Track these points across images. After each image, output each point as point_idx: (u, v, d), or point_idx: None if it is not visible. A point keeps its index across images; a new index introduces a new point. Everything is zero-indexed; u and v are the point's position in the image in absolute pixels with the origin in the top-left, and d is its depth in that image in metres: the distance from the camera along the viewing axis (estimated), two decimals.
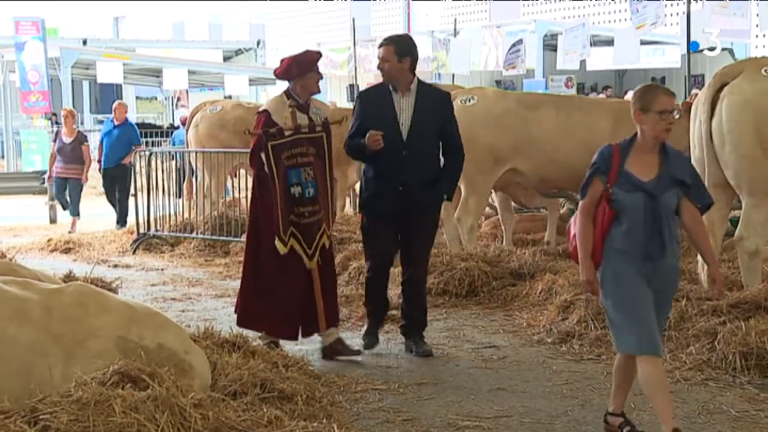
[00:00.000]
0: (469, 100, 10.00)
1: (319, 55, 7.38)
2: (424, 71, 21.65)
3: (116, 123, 15.57)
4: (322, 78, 7.28)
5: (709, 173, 7.71)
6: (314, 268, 7.04)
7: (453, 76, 19.34)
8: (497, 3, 27.49)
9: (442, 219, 10.53)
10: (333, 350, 7.12)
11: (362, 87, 25.48)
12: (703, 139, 7.75)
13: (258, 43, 32.85)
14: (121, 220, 15.13)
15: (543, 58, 24.41)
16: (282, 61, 7.23)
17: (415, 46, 7.22)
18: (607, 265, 5.03)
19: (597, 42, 20.90)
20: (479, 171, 9.81)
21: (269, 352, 6.35)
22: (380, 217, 7.15)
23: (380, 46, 7.18)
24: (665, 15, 13.51)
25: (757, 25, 15.59)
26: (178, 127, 22.33)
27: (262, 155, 6.94)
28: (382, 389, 6.31)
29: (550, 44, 23.91)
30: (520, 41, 18.52)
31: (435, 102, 7.17)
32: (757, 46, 22.17)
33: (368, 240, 7.32)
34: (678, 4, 16.05)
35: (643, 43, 17.95)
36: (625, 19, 15.09)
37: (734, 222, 8.38)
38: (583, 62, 18.98)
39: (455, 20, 21.36)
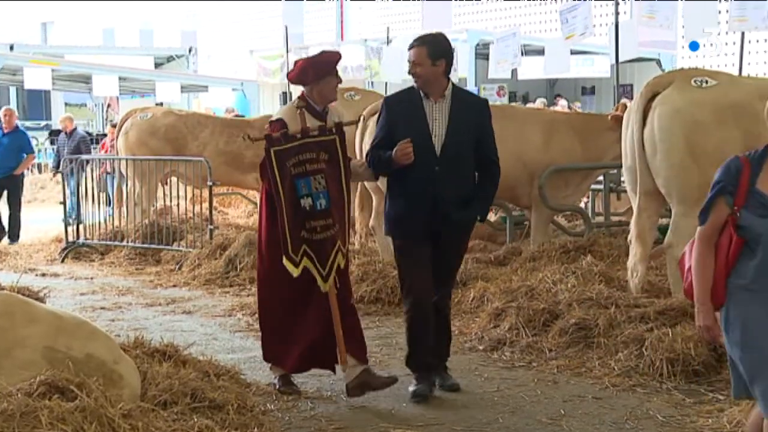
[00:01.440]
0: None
1: (338, 56, 6.54)
2: (356, 79, 21.69)
3: (5, 130, 14.65)
4: (341, 82, 6.49)
5: (640, 182, 7.84)
6: (330, 291, 6.14)
7: (386, 84, 19.38)
8: (430, 12, 27.64)
9: (373, 227, 10.57)
10: (362, 384, 6.21)
11: (296, 94, 25.48)
12: (635, 148, 7.87)
13: (190, 50, 32.57)
14: (14, 236, 14.41)
15: (475, 67, 24.60)
16: (296, 63, 6.49)
17: (450, 46, 6.36)
18: (733, 306, 4.10)
19: (528, 51, 21.11)
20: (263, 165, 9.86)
21: (200, 361, 6.29)
22: (413, 238, 6.26)
23: (410, 47, 6.29)
24: (594, 26, 13.69)
25: (683, 36, 15.88)
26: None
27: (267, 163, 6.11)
28: (314, 398, 6.30)
29: (482, 53, 24.10)
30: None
31: (472, 111, 6.32)
32: (683, 57, 22.57)
33: (405, 266, 6.36)
34: (607, 15, 16.29)
35: (573, 52, 18.17)
36: (555, 29, 15.27)
37: (662, 230, 8.51)
38: (514, 71, 19.11)
39: (388, 29, 21.39)
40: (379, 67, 21.50)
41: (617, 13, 13.06)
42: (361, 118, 6.72)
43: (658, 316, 7.10)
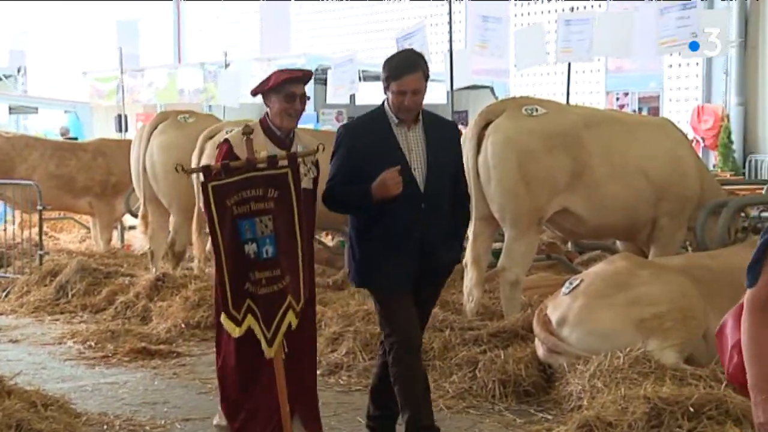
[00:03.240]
0: (186, 119, 10.05)
1: (300, 73, 5.56)
2: (192, 103, 21.46)
3: None
4: (298, 110, 5.48)
5: (475, 207, 8.02)
6: (276, 358, 5.20)
7: (224, 108, 19.22)
8: (268, 36, 27.61)
9: (209, 252, 10.43)
10: None
11: (131, 117, 25.01)
12: (470, 174, 8.06)
13: (19, 70, 31.57)
14: None
15: (314, 92, 24.68)
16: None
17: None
18: None
19: (366, 77, 21.30)
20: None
21: (27, 391, 6.07)
22: (398, 289, 5.35)
23: (405, 74, 5.24)
24: (430, 53, 13.96)
25: (515, 65, 16.35)
26: None
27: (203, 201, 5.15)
28: (147, 427, 6.16)
29: (320, 78, 24.19)
30: None
31: (447, 138, 5.48)
32: (515, 85, 23.24)
33: (389, 319, 5.39)
34: (443, 43, 16.59)
35: None
36: None
37: (495, 254, 8.72)
38: (353, 96, 19.28)
39: (225, 53, 21.26)
40: (216, 91, 21.34)
41: (451, 41, 13.36)
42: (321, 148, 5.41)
43: (491, 339, 7.26)
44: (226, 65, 20.60)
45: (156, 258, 11.11)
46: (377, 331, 7.58)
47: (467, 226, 5.85)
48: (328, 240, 12.41)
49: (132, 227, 14.35)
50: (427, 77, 5.32)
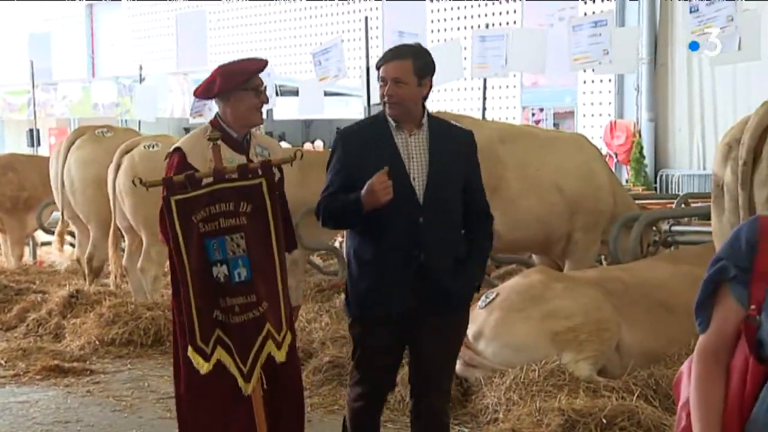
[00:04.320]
0: (153, 146, 9.86)
1: (258, 64, 4.96)
2: (107, 117, 21.19)
3: None
4: (264, 102, 4.90)
5: None
6: (255, 395, 4.55)
7: (139, 122, 19.01)
8: (184, 50, 27.43)
9: (126, 267, 10.30)
10: None
11: (43, 132, 24.62)
12: None
13: None
14: None
15: None
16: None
17: (434, 62, 4.75)
18: None
19: (283, 92, 21.28)
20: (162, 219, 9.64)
21: None
22: (382, 321, 4.60)
23: (386, 60, 4.63)
24: (347, 68, 14.00)
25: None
26: None
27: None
28: None
29: None
30: None
31: (456, 144, 4.76)
32: (432, 100, 23.44)
33: (360, 358, 4.73)
34: (360, 58, 16.65)
35: (327, 94, 18.48)
36: (309, 71, 15.49)
37: None
38: (270, 111, 19.23)
39: (140, 66, 21.05)
40: (131, 105, 21.10)
41: (368, 57, 13.41)
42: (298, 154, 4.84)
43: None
44: (141, 79, 20.39)
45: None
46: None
47: (487, 251, 4.90)
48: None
49: (45, 243, 14.10)
50: (420, 72, 4.59)
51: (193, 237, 4.41)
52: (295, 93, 20.78)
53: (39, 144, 20.23)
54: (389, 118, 4.66)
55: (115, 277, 10.85)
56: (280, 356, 4.51)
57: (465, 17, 22.27)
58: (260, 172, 4.52)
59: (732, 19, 8.84)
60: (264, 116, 4.99)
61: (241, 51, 28.72)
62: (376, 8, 23.56)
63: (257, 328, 4.46)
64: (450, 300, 4.60)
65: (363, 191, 4.46)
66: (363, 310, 4.66)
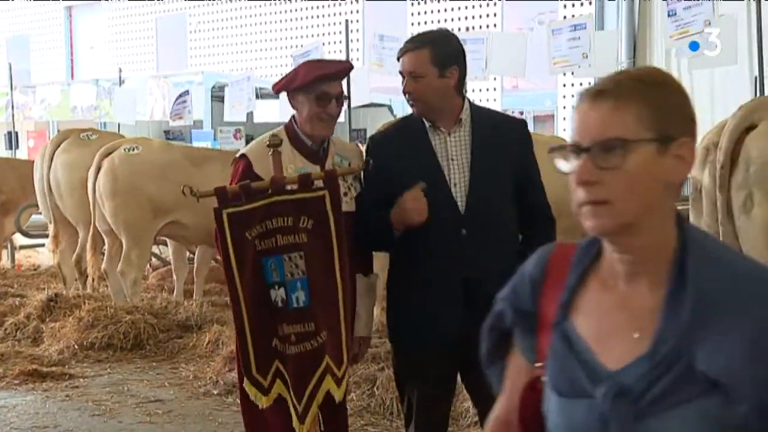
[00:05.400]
0: (134, 149, 9.83)
1: (341, 66, 4.42)
2: (86, 120, 21.11)
3: None
4: (333, 113, 4.24)
5: None
6: None
7: (119, 125, 18.94)
8: (164, 53, 27.36)
9: (105, 271, 10.27)
10: None
11: (22, 134, 24.50)
12: None
13: None
14: None
15: (211, 110, 24.52)
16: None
17: (462, 48, 4.15)
18: None
19: (263, 95, 21.26)
20: (141, 223, 9.63)
21: None
22: (433, 348, 4.03)
23: (403, 52, 4.10)
24: None
25: None
26: None
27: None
28: None
29: (217, 95, 24.06)
30: (187, 92, 18.46)
31: (503, 137, 4.10)
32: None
33: (411, 395, 4.15)
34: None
35: None
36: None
37: None
38: (250, 114, 19.22)
39: (120, 69, 20.98)
40: (110, 108, 21.03)
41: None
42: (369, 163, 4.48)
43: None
44: (121, 82, 20.33)
45: (69, 278, 10.99)
46: None
47: None
48: None
49: (24, 246, 14.04)
50: (441, 62, 4.01)
51: (247, 255, 3.90)
52: (276, 96, 20.82)
53: (18, 147, 20.14)
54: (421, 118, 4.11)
55: (93, 281, 10.83)
56: (338, 395, 3.93)
57: (445, 20, 22.31)
58: (324, 183, 3.94)
59: (710, 24, 8.89)
60: (245, 118, 4.81)
61: (221, 54, 28.71)
62: (357, 11, 23.60)
63: (315, 361, 3.90)
64: None
65: (393, 210, 3.92)
66: (406, 336, 4.12)
